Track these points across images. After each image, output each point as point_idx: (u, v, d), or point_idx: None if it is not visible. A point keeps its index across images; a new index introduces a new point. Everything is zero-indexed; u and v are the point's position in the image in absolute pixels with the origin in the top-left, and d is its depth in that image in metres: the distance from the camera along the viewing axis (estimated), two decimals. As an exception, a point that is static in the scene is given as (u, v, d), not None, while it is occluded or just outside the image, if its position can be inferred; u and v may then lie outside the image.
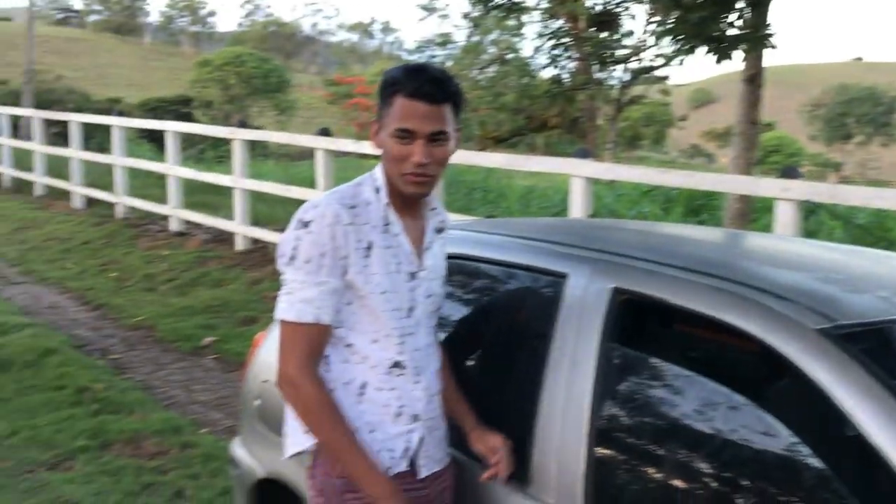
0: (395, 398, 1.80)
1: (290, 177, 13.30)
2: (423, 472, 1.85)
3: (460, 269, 2.20)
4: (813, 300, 1.64)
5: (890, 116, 78.85)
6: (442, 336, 2.10)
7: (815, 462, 1.51)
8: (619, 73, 18.90)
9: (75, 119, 11.82)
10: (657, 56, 18.61)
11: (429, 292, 1.86)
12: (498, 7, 10.82)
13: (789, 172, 4.91)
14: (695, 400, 1.71)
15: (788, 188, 4.74)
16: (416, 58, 20.89)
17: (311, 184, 8.84)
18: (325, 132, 7.80)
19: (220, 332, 6.62)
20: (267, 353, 2.73)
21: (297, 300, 1.72)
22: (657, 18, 18.33)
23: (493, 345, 2.16)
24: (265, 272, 8.29)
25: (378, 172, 1.83)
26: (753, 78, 7.32)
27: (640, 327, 1.88)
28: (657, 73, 18.97)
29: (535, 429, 1.85)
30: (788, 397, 1.61)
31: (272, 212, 10.71)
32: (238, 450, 2.81)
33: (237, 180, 8.85)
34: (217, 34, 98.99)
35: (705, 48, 6.81)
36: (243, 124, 9.11)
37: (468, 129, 25.56)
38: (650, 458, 1.76)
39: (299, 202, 10.75)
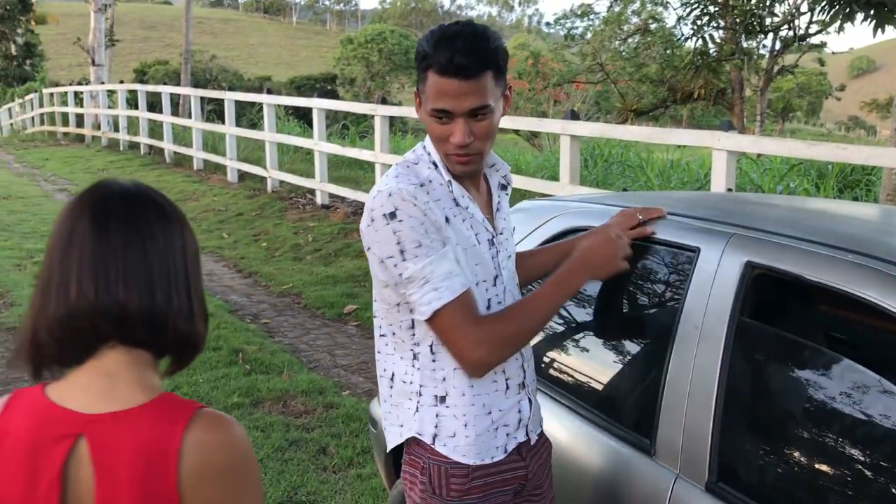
0: (500, 371, 1.75)
1: (428, 151, 13.58)
2: (534, 438, 1.85)
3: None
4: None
5: None
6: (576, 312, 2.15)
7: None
8: (769, 42, 17.98)
9: (229, 97, 12.51)
10: (812, 22, 17.56)
11: (508, 253, 1.81)
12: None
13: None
14: (827, 379, 1.69)
15: (952, 162, 4.44)
16: (556, 30, 20.64)
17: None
18: (573, 115, 7.88)
19: (362, 300, 6.90)
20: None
21: (439, 282, 1.61)
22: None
23: (624, 319, 2.19)
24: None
25: (430, 146, 1.73)
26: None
27: (774, 303, 1.86)
28: (812, 40, 17.87)
29: (663, 400, 1.88)
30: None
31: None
32: (377, 410, 2.97)
33: (378, 155, 9.13)
34: (360, 12, 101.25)
35: (861, 15, 6.44)
36: (384, 100, 9.37)
37: (608, 102, 25.05)
38: (778, 436, 1.75)
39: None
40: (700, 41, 13.40)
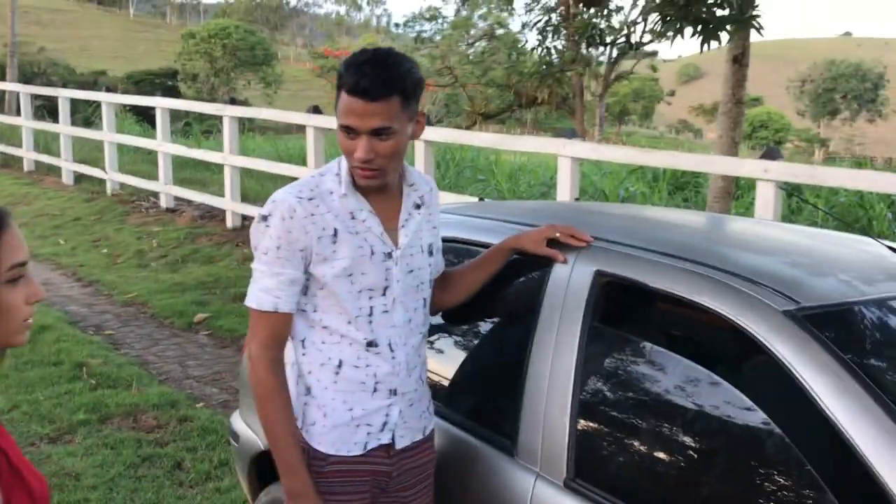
0: (370, 375, 1.88)
1: (279, 152, 13.37)
2: (403, 443, 1.95)
3: (455, 252, 2.32)
4: (779, 283, 1.76)
5: (876, 93, 79.14)
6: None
7: (781, 434, 1.64)
8: (606, 50, 18.95)
9: (64, 94, 11.81)
10: (645, 32, 18.67)
11: (409, 268, 1.92)
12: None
13: (770, 153, 5.04)
14: (668, 376, 1.84)
15: (769, 169, 4.87)
16: (404, 31, 20.83)
17: (302, 161, 8.91)
18: (316, 109, 7.87)
19: (213, 308, 6.73)
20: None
21: (258, 289, 1.84)
22: (645, -5, 18.37)
23: (485, 325, 2.28)
24: (256, 249, 8.40)
25: (343, 161, 1.87)
26: (739, 57, 7.43)
27: (621, 308, 2.01)
28: (645, 49, 18.99)
29: (523, 403, 1.98)
30: (756, 374, 1.74)
31: (262, 188, 10.79)
32: (238, 423, 2.94)
33: (228, 157, 8.91)
34: (202, 6, 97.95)
35: (691, 29, 6.91)
36: (233, 101, 9.16)
37: (457, 105, 25.56)
38: (627, 431, 1.89)
39: (290, 179, 10.79)
40: (545, 51, 13.84)
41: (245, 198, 9.28)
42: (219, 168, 11.46)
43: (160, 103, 9.95)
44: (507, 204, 2.87)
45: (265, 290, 1.83)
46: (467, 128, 22.75)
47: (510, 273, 2.16)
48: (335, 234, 1.82)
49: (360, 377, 1.88)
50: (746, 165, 5.15)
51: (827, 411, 1.52)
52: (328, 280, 1.83)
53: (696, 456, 1.77)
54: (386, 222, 1.89)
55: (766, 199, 4.89)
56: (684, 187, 11.22)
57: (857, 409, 1.50)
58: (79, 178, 11.92)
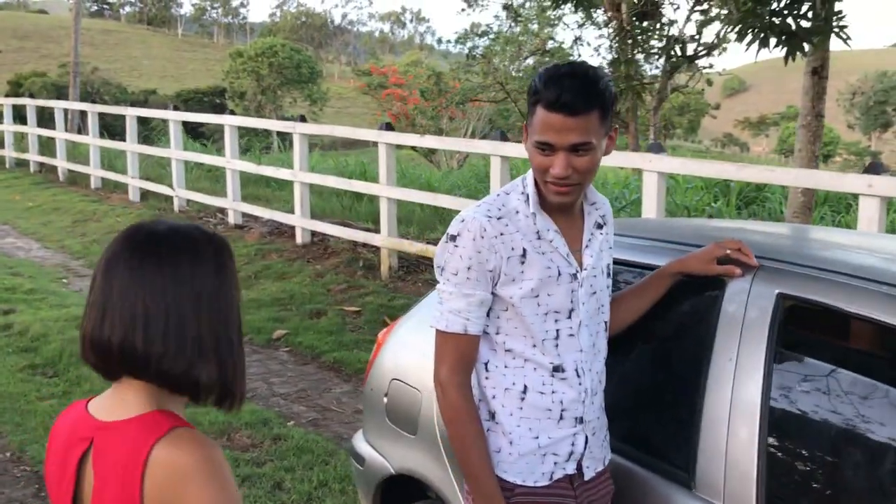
0: (556, 401, 1.82)
1: (339, 168, 13.43)
2: (589, 474, 1.88)
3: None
4: None
5: (929, 104, 77.37)
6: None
7: None
8: (660, 62, 18.76)
9: (131, 113, 12.00)
10: (700, 45, 18.46)
11: (592, 290, 1.87)
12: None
13: (874, 168, 4.88)
14: (870, 406, 1.74)
15: (873, 184, 4.71)
16: (455, 48, 20.90)
17: (371, 177, 8.91)
18: (388, 126, 7.86)
19: (290, 324, 6.72)
20: (392, 352, 2.79)
21: (446, 310, 1.80)
22: (702, 7, 18.17)
23: (651, 352, 2.19)
24: (327, 265, 8.40)
25: (529, 179, 1.83)
26: (818, 70, 7.27)
27: (809, 333, 1.90)
28: (700, 62, 18.77)
29: (700, 432, 1.88)
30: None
31: (326, 204, 10.83)
32: (363, 445, 2.88)
33: (297, 174, 8.94)
34: (248, 25, 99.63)
35: (774, 41, 6.77)
36: (303, 119, 9.20)
37: (506, 119, 25.52)
38: (828, 466, 1.78)
39: (359, 196, 10.81)
40: (624, 65, 13.78)
41: (313, 214, 9.30)
42: (279, 184, 11.57)
43: (228, 121, 10.04)
44: (665, 223, 2.77)
45: (454, 312, 1.79)
46: (518, 142, 22.70)
47: (676, 297, 2.07)
48: (524, 254, 1.78)
49: (546, 404, 1.82)
50: (848, 180, 4.99)
51: None
52: (515, 301, 1.78)
53: (911, 493, 1.66)
54: (570, 243, 1.84)
55: (869, 214, 4.72)
56: (753, 202, 11.03)
57: None
58: (144, 194, 12.08)
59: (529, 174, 1.84)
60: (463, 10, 20.09)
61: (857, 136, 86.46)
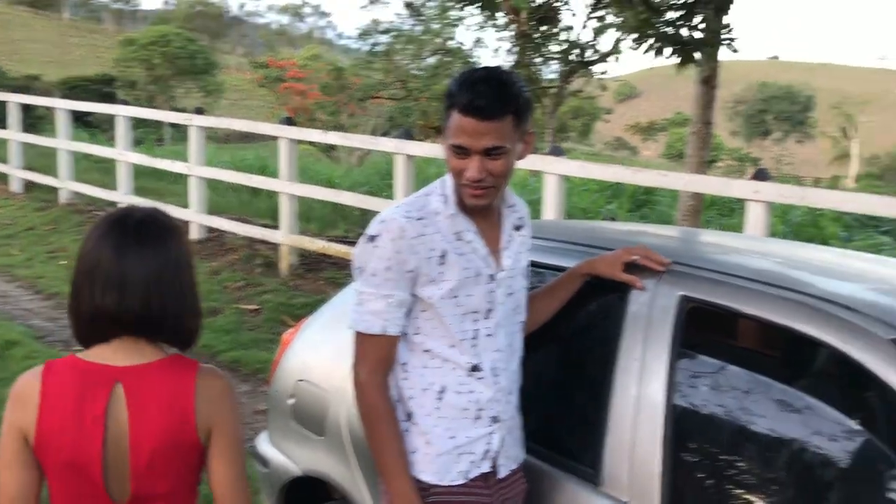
0: (473, 401, 1.84)
1: (236, 162, 13.11)
2: (503, 472, 1.91)
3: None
4: (878, 311, 1.76)
5: (805, 115, 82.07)
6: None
7: (889, 454, 1.63)
8: (557, 66, 19.18)
9: (15, 100, 11.36)
10: (595, 51, 18.99)
11: (509, 290, 1.89)
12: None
13: (760, 174, 5.13)
14: (770, 404, 1.83)
15: (759, 190, 4.95)
16: (359, 44, 20.76)
17: (270, 172, 8.73)
18: (289, 121, 7.73)
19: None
20: (299, 352, 2.75)
21: (365, 311, 1.79)
22: (598, 14, 18.69)
23: (560, 352, 2.23)
24: (224, 262, 8.19)
25: (448, 180, 1.84)
26: (709, 80, 7.59)
27: (710, 334, 1.99)
28: (596, 67, 19.30)
29: (607, 431, 1.93)
30: (865, 402, 1.74)
31: (223, 199, 10.56)
32: (267, 447, 2.82)
33: (193, 168, 8.68)
34: (140, 12, 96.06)
35: (669, 51, 7.03)
36: (200, 111, 8.93)
37: (406, 118, 25.52)
38: (729, 461, 1.86)
39: (257, 191, 10.55)
40: (524, 70, 13.96)
41: (209, 210, 9.05)
42: (174, 178, 11.19)
43: (121, 111, 9.64)
44: (569, 225, 2.83)
45: (374, 313, 1.79)
46: (420, 140, 22.73)
47: (585, 297, 2.12)
48: (443, 255, 1.79)
49: (463, 403, 1.84)
50: (736, 186, 5.23)
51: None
52: (434, 302, 1.78)
53: (804, 487, 1.75)
54: (489, 244, 1.85)
55: (756, 218, 4.96)
56: (644, 204, 11.45)
57: None
58: (28, 186, 11.47)
59: (448, 176, 1.84)
60: (365, 6, 19.97)
61: (739, 143, 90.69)
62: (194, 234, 8.79)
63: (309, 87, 26.11)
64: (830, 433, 1.72)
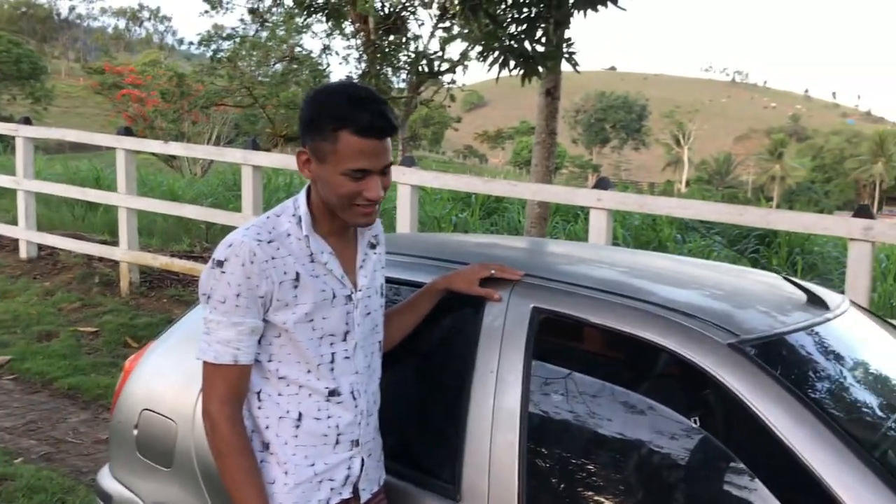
0: (332, 426, 1.79)
1: (70, 174, 12.35)
2: (365, 496, 1.87)
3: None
4: (716, 317, 1.86)
5: (640, 123, 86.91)
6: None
7: (740, 464, 1.72)
8: (406, 76, 19.34)
9: None
10: (444, 61, 19.29)
11: (367, 310, 1.85)
12: (304, 7, 10.67)
13: (602, 184, 5.35)
14: (621, 410, 1.89)
15: (602, 198, 5.17)
16: (201, 50, 20.04)
17: (106, 184, 8.27)
18: (127, 131, 7.34)
19: (15, 349, 6.05)
20: (143, 380, 2.60)
21: (214, 341, 1.70)
22: (445, 25, 19.00)
23: (417, 368, 2.21)
24: (58, 282, 7.68)
25: (301, 200, 1.78)
26: (552, 91, 7.85)
27: (561, 344, 2.03)
28: (444, 77, 19.59)
29: (465, 445, 1.94)
30: (707, 405, 1.82)
31: (55, 215, 9.92)
32: (109, 482, 2.65)
33: (21, 181, 8.08)
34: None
35: (512, 63, 7.21)
36: (27, 120, 8.33)
37: (252, 125, 24.93)
38: (584, 468, 1.91)
39: (93, 206, 9.95)
40: (373, 80, 13.92)
41: (40, 226, 8.46)
42: (1, 192, 10.40)
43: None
44: (417, 238, 2.82)
45: (224, 342, 1.70)
46: (267, 149, 22.27)
47: (441, 312, 2.12)
48: (297, 278, 1.72)
49: (322, 429, 1.78)
50: (580, 195, 5.43)
51: (784, 440, 1.61)
52: (289, 326, 1.72)
53: (652, 488, 1.81)
54: (344, 264, 1.81)
55: (599, 225, 5.17)
56: (494, 212, 11.72)
57: (812, 436, 1.61)
58: None
59: (301, 196, 1.78)
60: (206, 11, 19.33)
61: (580, 151, 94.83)
62: (24, 252, 8.21)
63: (148, 93, 25.04)
64: (674, 435, 1.80)
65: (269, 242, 1.71)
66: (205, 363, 1.72)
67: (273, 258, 1.70)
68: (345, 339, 1.79)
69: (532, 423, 1.90)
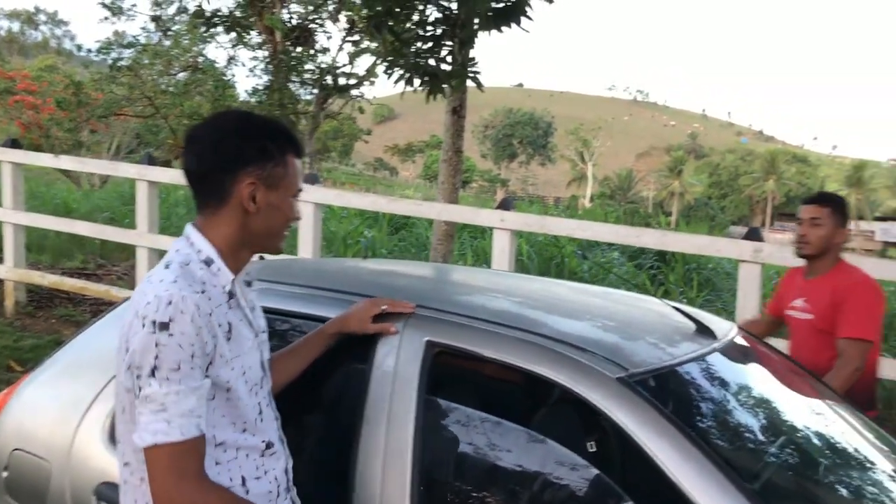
0: (272, 480, 1.69)
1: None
2: None
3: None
4: (606, 350, 1.87)
5: (546, 139, 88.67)
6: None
7: (624, 499, 1.73)
8: (318, 87, 19.16)
9: None
10: (350, 74, 19.21)
11: (267, 352, 1.78)
12: (205, 20, 10.42)
13: (505, 204, 5.39)
14: (515, 446, 1.87)
15: (505, 219, 5.20)
16: (101, 57, 19.29)
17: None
18: (14, 143, 6.97)
19: None
20: (14, 417, 2.44)
21: (175, 416, 1.47)
22: (353, 38, 18.92)
23: (307, 408, 2.15)
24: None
25: (202, 243, 1.61)
26: (457, 109, 7.90)
27: (455, 378, 2.00)
28: (355, 90, 19.51)
29: (355, 484, 1.89)
30: (597, 441, 1.83)
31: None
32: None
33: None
34: None
35: (417, 81, 7.22)
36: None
37: (154, 136, 24.20)
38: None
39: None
40: (278, 92, 13.71)
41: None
42: None
43: None
44: (306, 266, 2.74)
45: (186, 415, 1.48)
46: (167, 161, 21.62)
47: (331, 349, 2.05)
48: (230, 329, 1.60)
49: (266, 487, 1.66)
50: (484, 215, 5.45)
51: (671, 475, 1.62)
52: (232, 383, 1.58)
53: (544, 525, 1.80)
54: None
55: (502, 245, 5.21)
56: (402, 228, 11.70)
57: (697, 471, 1.62)
58: None
59: (198, 238, 1.62)
60: (106, 18, 18.68)
61: (489, 165, 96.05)
62: None
63: (44, 100, 23.99)
64: (567, 472, 1.80)
65: (202, 293, 1.55)
66: (165, 447, 1.47)
67: (211, 312, 1.55)
68: (262, 386, 1.70)
69: (425, 462, 1.86)
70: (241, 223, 1.63)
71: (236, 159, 1.60)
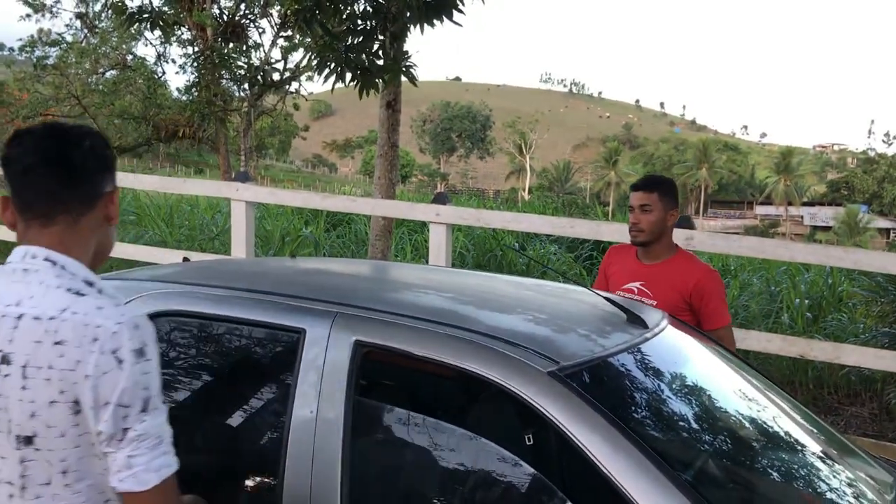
0: None
1: None
2: None
3: (182, 328, 2.08)
4: (537, 344, 1.84)
5: (485, 133, 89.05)
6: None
7: (557, 493, 1.71)
8: (248, 84, 18.86)
9: None
10: (285, 70, 18.96)
11: None
12: (128, 18, 10.09)
13: (440, 198, 5.36)
14: (447, 444, 1.84)
15: (440, 213, 5.17)
16: (25, 57, 18.67)
17: None
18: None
19: None
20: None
21: (169, 443, 1.37)
22: (286, 34, 18.66)
23: (235, 404, 2.08)
24: None
25: (78, 267, 1.42)
26: (392, 104, 7.83)
27: (385, 377, 1.96)
28: (289, 86, 19.26)
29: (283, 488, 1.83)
30: (529, 435, 1.81)
31: None
32: None
33: None
34: None
35: (349, 76, 7.12)
36: None
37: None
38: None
39: None
40: (204, 88, 13.40)
41: None
42: None
43: None
44: (226, 267, 2.65)
45: (171, 437, 1.38)
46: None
47: (258, 348, 2.00)
48: None
49: None
50: (419, 210, 5.41)
51: (603, 469, 1.61)
52: None
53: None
54: None
55: (438, 239, 5.18)
56: (340, 224, 11.59)
57: (629, 464, 1.61)
58: None
59: (73, 263, 1.42)
60: (28, 15, 18.07)
61: (428, 160, 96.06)
62: None
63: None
64: (500, 468, 1.77)
65: None
66: (170, 477, 1.35)
67: None
68: None
69: (354, 463, 1.82)
70: (90, 243, 1.50)
71: (105, 173, 1.47)
